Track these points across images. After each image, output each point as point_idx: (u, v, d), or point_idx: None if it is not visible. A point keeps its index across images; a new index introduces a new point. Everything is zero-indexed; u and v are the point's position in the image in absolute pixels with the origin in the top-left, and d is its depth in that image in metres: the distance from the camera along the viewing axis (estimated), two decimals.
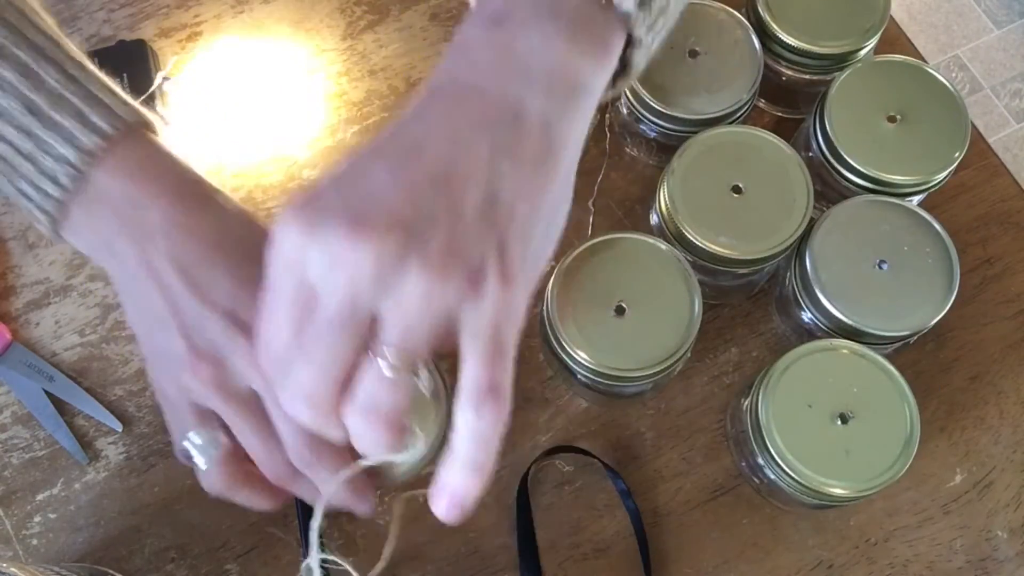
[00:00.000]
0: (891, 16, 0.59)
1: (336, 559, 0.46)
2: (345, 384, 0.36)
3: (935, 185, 0.55)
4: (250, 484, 0.45)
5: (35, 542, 0.54)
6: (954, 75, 1.63)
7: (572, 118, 0.38)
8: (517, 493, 0.55)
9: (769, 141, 0.54)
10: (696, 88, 0.55)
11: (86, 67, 0.44)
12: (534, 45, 0.37)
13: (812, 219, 0.53)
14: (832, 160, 0.55)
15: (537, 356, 0.58)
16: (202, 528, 0.54)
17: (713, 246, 0.51)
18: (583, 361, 0.49)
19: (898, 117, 0.55)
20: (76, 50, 0.45)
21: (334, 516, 0.54)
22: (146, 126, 0.45)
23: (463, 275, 0.34)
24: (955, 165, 0.54)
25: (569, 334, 0.50)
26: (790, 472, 0.48)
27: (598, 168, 0.62)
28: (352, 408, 0.36)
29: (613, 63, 0.40)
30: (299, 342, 0.36)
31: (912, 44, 0.65)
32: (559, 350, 0.51)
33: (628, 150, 0.62)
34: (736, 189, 0.53)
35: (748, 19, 0.57)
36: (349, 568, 0.46)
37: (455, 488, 0.37)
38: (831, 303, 0.51)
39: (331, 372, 0.36)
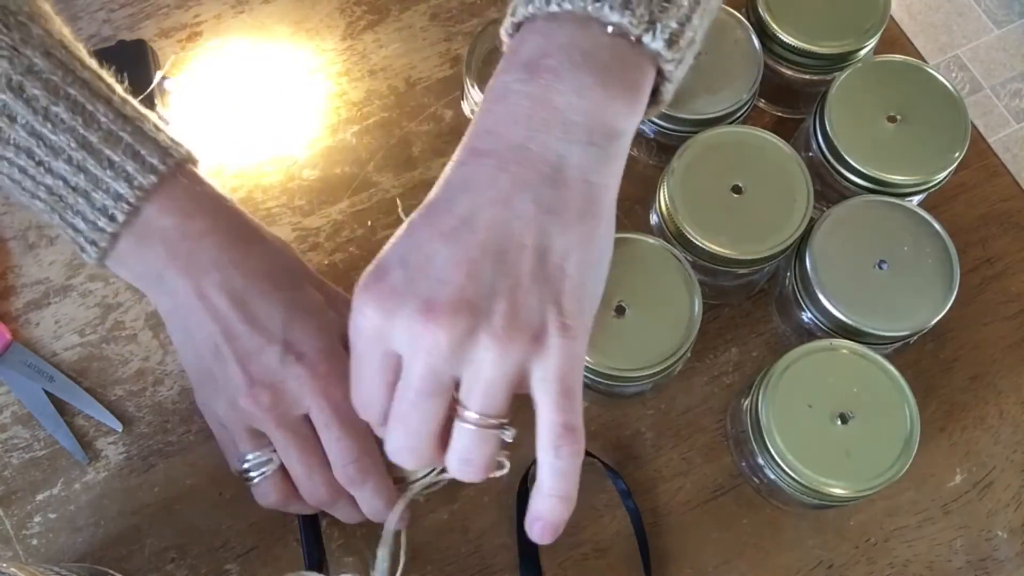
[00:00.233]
0: (891, 16, 0.59)
1: None
2: (442, 435, 0.40)
3: (935, 185, 0.55)
4: (301, 498, 0.49)
5: (35, 542, 0.54)
6: (954, 75, 1.63)
7: (610, 164, 0.40)
8: (517, 493, 0.55)
9: (769, 141, 0.54)
10: (696, 88, 0.55)
11: (135, 104, 0.46)
12: (571, 97, 0.38)
13: (812, 219, 0.53)
14: (832, 160, 0.55)
15: None
16: (202, 528, 0.54)
17: (713, 246, 0.51)
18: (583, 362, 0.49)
19: (898, 117, 0.55)
20: (119, 87, 0.47)
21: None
22: (191, 161, 0.47)
23: (527, 337, 0.38)
24: (955, 165, 0.54)
25: None
26: (790, 472, 0.48)
27: None
28: (450, 458, 0.41)
29: (644, 102, 0.41)
30: (393, 407, 0.40)
31: (912, 44, 0.65)
32: None
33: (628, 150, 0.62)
34: (736, 189, 0.53)
35: (748, 19, 0.57)
36: None
37: (546, 516, 0.41)
38: (831, 303, 0.51)
39: (425, 431, 0.40)
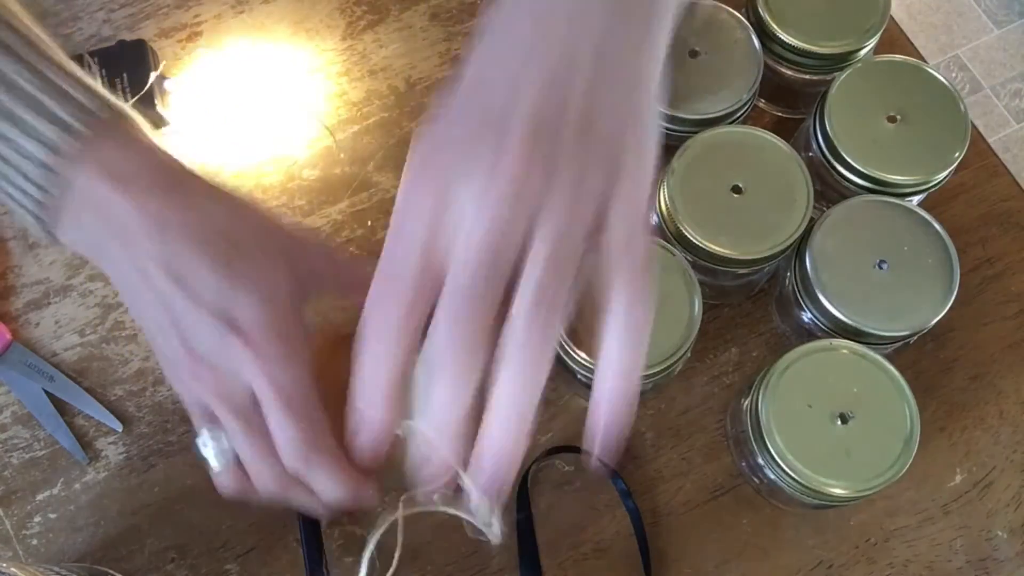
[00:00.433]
0: (891, 16, 0.59)
1: None
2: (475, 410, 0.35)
3: (935, 185, 0.55)
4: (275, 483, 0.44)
5: (35, 542, 0.54)
6: (954, 75, 1.64)
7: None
8: (517, 493, 0.55)
9: (769, 141, 0.54)
10: (696, 88, 0.55)
11: (61, 64, 0.42)
12: None
13: (812, 219, 0.53)
14: (832, 160, 0.55)
15: None
16: (202, 528, 0.54)
17: (713, 246, 0.51)
18: (583, 361, 0.49)
19: (898, 117, 0.55)
20: (55, 47, 0.43)
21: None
22: (124, 120, 0.43)
23: (602, 164, 0.35)
24: (955, 165, 0.54)
25: (569, 334, 0.50)
26: (790, 472, 0.48)
27: None
28: (523, 296, 0.34)
29: None
30: (443, 304, 0.35)
31: (912, 44, 0.65)
32: (559, 350, 0.50)
33: None
34: (736, 189, 0.53)
35: (748, 19, 0.57)
36: None
37: (610, 421, 0.38)
38: (831, 303, 0.51)
39: (480, 324, 0.34)
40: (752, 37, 0.57)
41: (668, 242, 0.52)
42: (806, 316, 0.53)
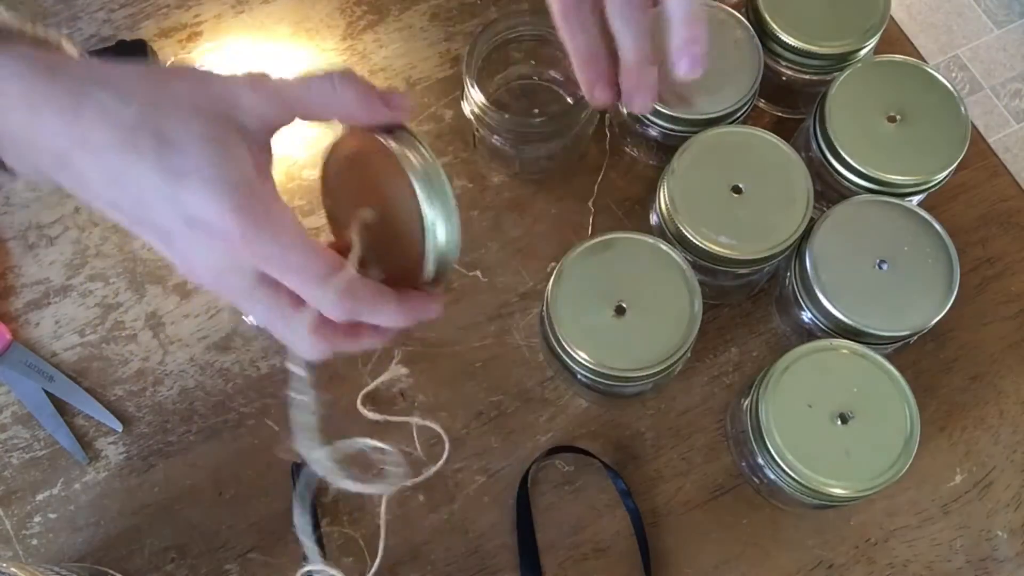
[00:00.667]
0: (891, 16, 0.59)
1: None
2: None
3: (935, 185, 0.55)
4: (350, 334, 0.42)
5: (35, 542, 0.54)
6: (954, 75, 1.63)
7: None
8: (517, 493, 0.55)
9: (769, 141, 0.54)
10: (696, 88, 0.55)
11: None
12: None
13: (812, 219, 0.53)
14: (832, 160, 0.55)
15: (537, 356, 0.58)
16: (202, 528, 0.54)
17: (713, 246, 0.51)
18: (583, 361, 0.49)
19: (898, 117, 0.55)
20: None
21: (333, 517, 0.55)
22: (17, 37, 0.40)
23: None
24: (955, 165, 0.54)
25: (569, 334, 0.50)
26: (790, 472, 0.48)
27: (598, 168, 0.62)
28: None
29: None
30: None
31: (912, 44, 0.65)
32: (559, 350, 0.51)
33: (628, 150, 0.62)
34: (736, 189, 0.53)
35: (748, 19, 0.57)
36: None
37: (691, 37, 0.45)
38: (831, 303, 0.51)
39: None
40: (752, 37, 0.57)
41: (668, 242, 0.52)
42: (806, 316, 0.53)
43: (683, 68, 0.46)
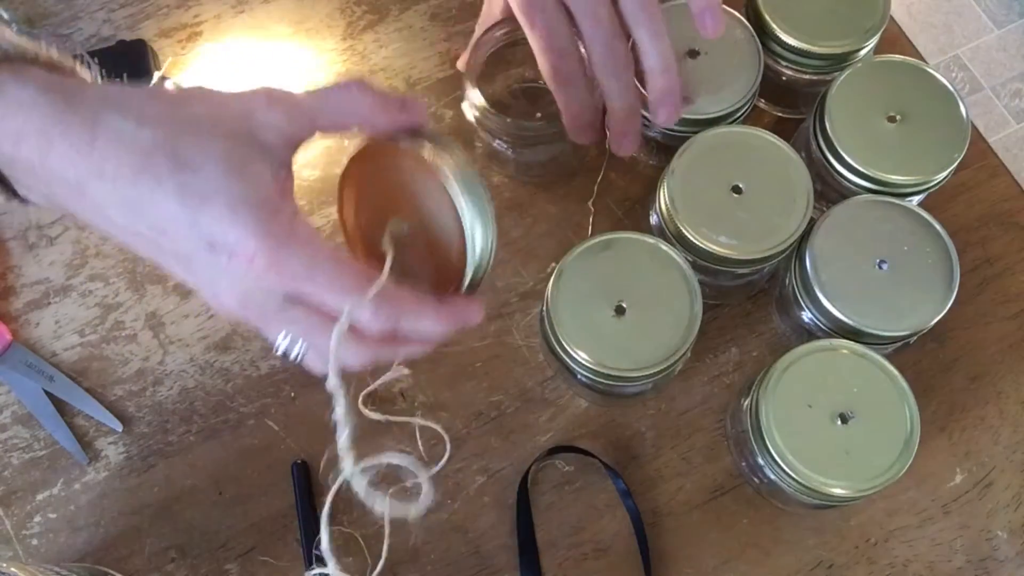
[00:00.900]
0: (891, 16, 0.59)
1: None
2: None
3: (935, 185, 0.55)
4: (389, 343, 0.41)
5: (35, 542, 0.54)
6: (954, 75, 1.63)
7: None
8: (517, 493, 0.55)
9: (769, 141, 0.54)
10: (696, 88, 0.55)
11: None
12: None
13: (812, 219, 0.53)
14: (832, 160, 0.55)
15: (537, 356, 0.58)
16: (202, 528, 0.54)
17: (713, 246, 0.51)
18: (583, 361, 0.49)
19: (898, 117, 0.55)
20: None
21: (333, 517, 0.55)
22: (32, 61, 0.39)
23: None
24: (955, 165, 0.54)
25: (569, 334, 0.50)
26: (790, 472, 0.48)
27: (598, 168, 0.62)
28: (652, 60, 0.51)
29: None
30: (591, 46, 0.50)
31: (912, 44, 0.65)
32: (559, 350, 0.51)
33: None
34: (736, 189, 0.53)
35: (748, 19, 0.57)
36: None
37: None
38: (831, 303, 0.51)
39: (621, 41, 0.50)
40: (752, 37, 0.57)
41: (668, 242, 0.52)
42: (806, 316, 0.53)
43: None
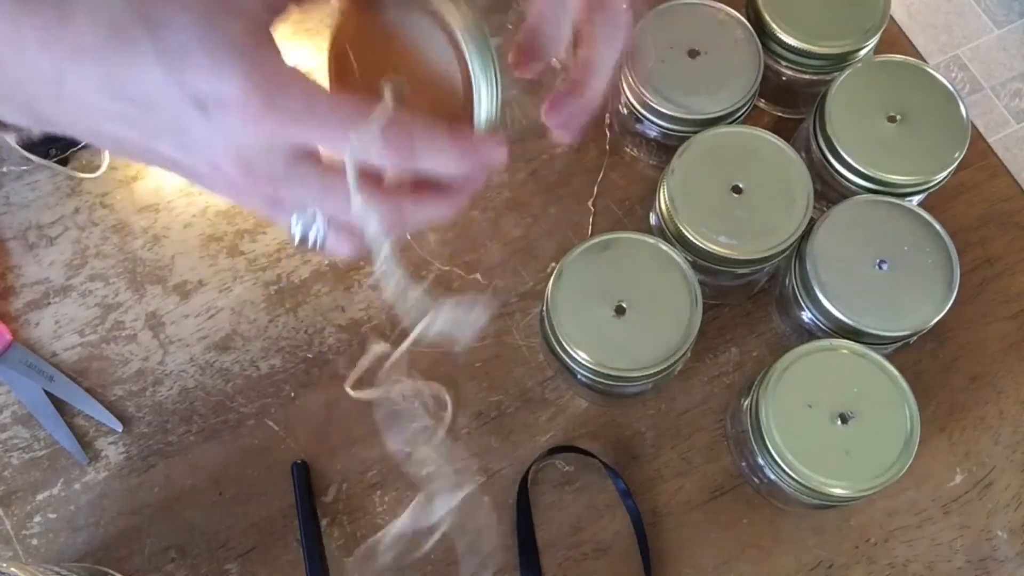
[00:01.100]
0: (891, 16, 0.59)
1: None
2: None
3: (935, 185, 0.55)
4: (412, 195, 0.38)
5: (35, 542, 0.54)
6: (954, 75, 1.63)
7: None
8: (517, 493, 0.55)
9: (769, 141, 0.54)
10: (696, 88, 0.55)
11: None
12: None
13: (812, 219, 0.53)
14: (832, 160, 0.55)
15: (537, 356, 0.58)
16: (202, 528, 0.54)
17: (713, 246, 0.51)
18: (583, 361, 0.49)
19: (898, 117, 0.55)
20: None
21: (333, 517, 0.55)
22: None
23: None
24: (955, 165, 0.54)
25: (569, 334, 0.50)
26: (790, 472, 0.48)
27: (598, 168, 0.62)
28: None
29: None
30: None
31: (912, 44, 0.65)
32: (559, 350, 0.51)
33: (628, 150, 0.62)
34: (736, 189, 0.53)
35: (748, 19, 0.57)
36: None
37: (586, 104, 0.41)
38: (831, 303, 0.51)
39: None
40: (752, 37, 0.57)
41: (668, 242, 0.52)
42: (806, 316, 0.53)
43: (563, 138, 0.43)
